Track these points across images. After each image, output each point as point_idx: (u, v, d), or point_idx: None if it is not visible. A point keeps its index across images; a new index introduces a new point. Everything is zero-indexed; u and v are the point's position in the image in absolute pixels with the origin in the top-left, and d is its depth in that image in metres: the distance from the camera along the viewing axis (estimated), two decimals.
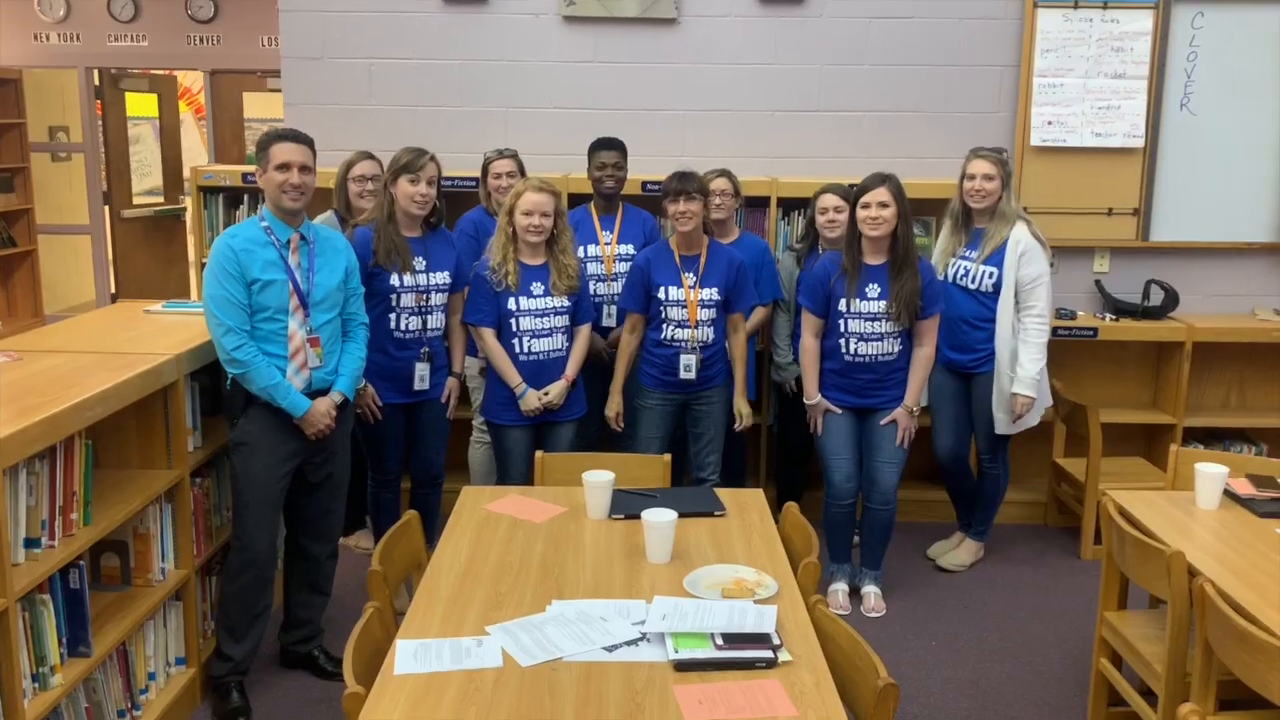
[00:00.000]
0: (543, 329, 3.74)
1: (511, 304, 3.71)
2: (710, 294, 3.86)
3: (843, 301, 3.75)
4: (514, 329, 3.73)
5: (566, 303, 3.76)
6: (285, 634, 3.48)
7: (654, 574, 2.50)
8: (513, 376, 3.74)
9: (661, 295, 3.85)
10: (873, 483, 3.89)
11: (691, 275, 3.86)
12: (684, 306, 3.84)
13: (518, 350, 3.74)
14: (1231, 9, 4.75)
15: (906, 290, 3.69)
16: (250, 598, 3.22)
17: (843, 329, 3.77)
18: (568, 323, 3.80)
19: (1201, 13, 4.75)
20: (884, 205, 3.65)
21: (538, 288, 3.72)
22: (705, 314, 3.87)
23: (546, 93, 4.87)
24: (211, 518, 3.41)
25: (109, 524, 2.78)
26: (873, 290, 3.73)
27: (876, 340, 3.75)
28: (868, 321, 3.74)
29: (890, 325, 3.73)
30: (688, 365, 3.87)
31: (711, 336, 3.90)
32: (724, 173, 4.28)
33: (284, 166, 3.08)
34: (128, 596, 2.99)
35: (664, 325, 3.87)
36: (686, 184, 3.82)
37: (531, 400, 3.73)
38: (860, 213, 3.69)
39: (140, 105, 8.91)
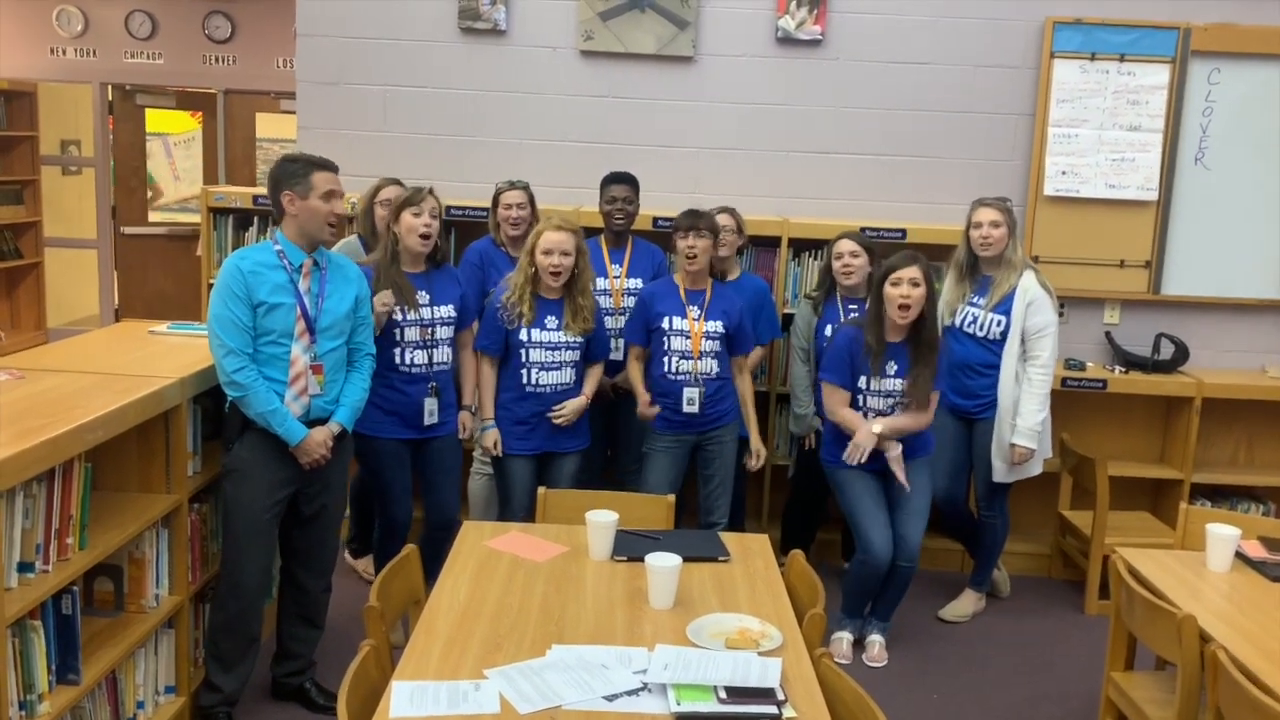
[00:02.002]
0: (552, 362, 3.73)
1: (524, 335, 3.71)
2: (715, 326, 3.84)
3: (863, 379, 3.71)
4: (523, 359, 3.72)
5: (579, 340, 3.76)
6: (277, 665, 3.43)
7: (656, 620, 2.46)
8: (487, 408, 3.78)
9: (665, 325, 3.83)
10: (901, 539, 3.79)
11: (696, 308, 3.84)
12: (687, 337, 3.82)
13: (525, 381, 3.73)
14: (1248, 66, 4.75)
15: (924, 377, 3.65)
16: (239, 628, 3.18)
17: (861, 403, 3.75)
18: (578, 358, 3.79)
19: (1218, 68, 4.76)
20: (915, 284, 3.57)
21: (552, 321, 3.72)
22: (709, 345, 3.84)
23: (561, 126, 4.87)
24: (208, 544, 3.37)
25: (105, 549, 2.74)
26: (891, 368, 3.69)
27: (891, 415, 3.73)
28: (885, 399, 3.71)
29: (909, 402, 3.71)
30: (690, 399, 3.83)
31: (716, 370, 3.87)
32: (728, 210, 4.27)
33: (330, 195, 3.09)
34: (120, 622, 2.94)
35: (666, 358, 3.84)
36: (698, 220, 3.82)
37: (489, 439, 3.76)
38: (890, 290, 3.60)
39: (161, 122, 8.91)
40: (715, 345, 3.86)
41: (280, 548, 3.37)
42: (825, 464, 3.91)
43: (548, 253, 3.64)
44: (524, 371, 3.73)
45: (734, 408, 3.96)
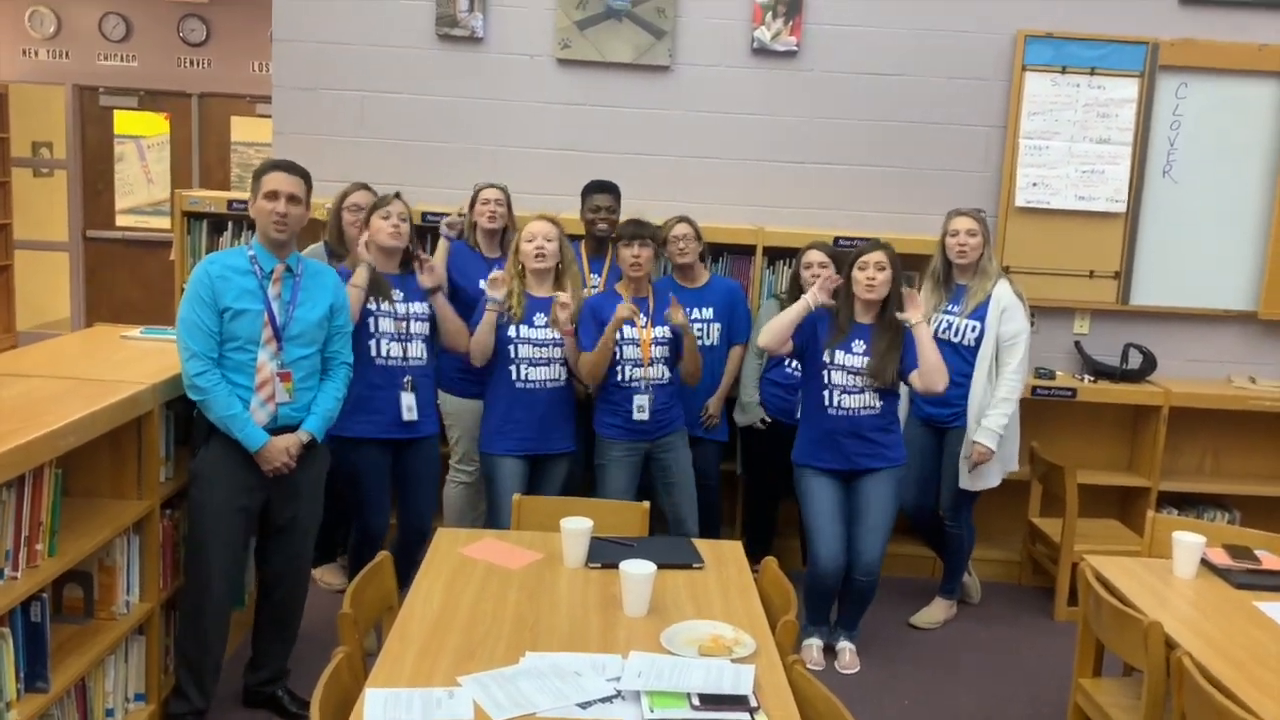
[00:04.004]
0: (540, 358, 3.79)
1: (512, 332, 3.76)
2: (663, 332, 3.90)
3: (826, 352, 3.75)
4: (512, 356, 3.76)
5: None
6: (250, 673, 3.41)
7: (630, 627, 2.47)
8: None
9: (617, 336, 3.86)
10: (856, 553, 3.83)
11: (642, 316, 3.89)
12: (637, 345, 3.88)
13: (514, 378, 3.77)
14: (1214, 81, 4.83)
15: (886, 360, 3.69)
16: (205, 635, 3.15)
17: (826, 379, 3.77)
18: (565, 354, 3.83)
19: (1185, 83, 4.83)
20: (880, 268, 3.67)
21: (540, 318, 3.78)
22: (658, 351, 3.90)
23: (538, 133, 4.88)
24: (180, 550, 3.34)
25: (75, 555, 2.72)
26: (858, 346, 3.74)
27: (858, 393, 3.75)
28: (850, 375, 3.74)
29: (871, 380, 3.74)
30: (640, 406, 3.88)
31: (667, 376, 3.92)
32: (683, 218, 4.29)
33: (272, 195, 3.06)
34: (89, 629, 2.92)
35: (619, 366, 3.88)
36: (641, 230, 3.89)
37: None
38: (857, 274, 3.71)
39: (135, 124, 8.83)
40: (664, 351, 3.91)
41: (255, 556, 3.35)
42: (794, 463, 3.93)
43: (530, 239, 3.73)
44: (513, 368, 3.77)
45: (681, 413, 4.02)
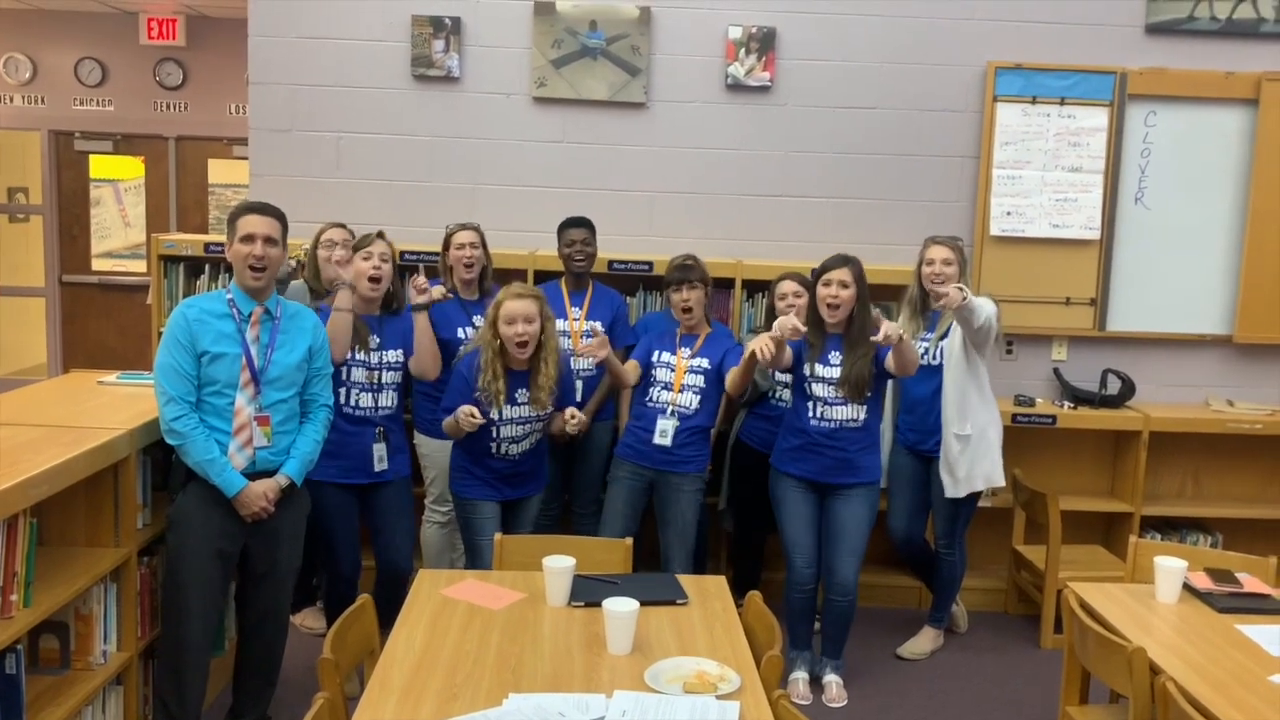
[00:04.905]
0: (520, 434, 3.66)
1: (494, 414, 3.58)
2: (701, 362, 3.92)
3: (806, 366, 3.77)
4: (493, 434, 3.62)
5: (546, 412, 3.67)
6: None
7: (614, 665, 2.45)
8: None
9: (654, 358, 3.96)
10: (832, 573, 3.84)
11: (688, 349, 3.95)
12: (672, 369, 3.92)
13: (494, 452, 3.65)
14: (1182, 108, 4.90)
15: (855, 371, 3.70)
16: (185, 683, 3.10)
17: (808, 391, 3.79)
18: (544, 427, 3.72)
19: (1154, 111, 4.90)
20: (844, 285, 3.70)
21: (522, 395, 3.62)
22: (692, 379, 3.91)
23: (515, 171, 4.90)
24: (158, 597, 3.30)
25: (50, 605, 2.68)
26: (834, 357, 3.76)
27: (840, 405, 3.76)
28: (830, 386, 3.76)
29: (848, 389, 3.73)
30: (663, 431, 3.89)
31: (695, 406, 3.91)
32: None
33: (248, 238, 3.05)
34: (66, 680, 2.88)
35: (651, 387, 3.94)
36: (689, 273, 3.93)
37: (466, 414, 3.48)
38: (821, 290, 3.74)
39: (112, 168, 8.83)
40: (699, 380, 3.91)
41: (235, 602, 3.31)
42: (772, 467, 3.95)
43: (510, 322, 3.52)
44: (493, 445, 3.64)
45: (697, 455, 3.97)
